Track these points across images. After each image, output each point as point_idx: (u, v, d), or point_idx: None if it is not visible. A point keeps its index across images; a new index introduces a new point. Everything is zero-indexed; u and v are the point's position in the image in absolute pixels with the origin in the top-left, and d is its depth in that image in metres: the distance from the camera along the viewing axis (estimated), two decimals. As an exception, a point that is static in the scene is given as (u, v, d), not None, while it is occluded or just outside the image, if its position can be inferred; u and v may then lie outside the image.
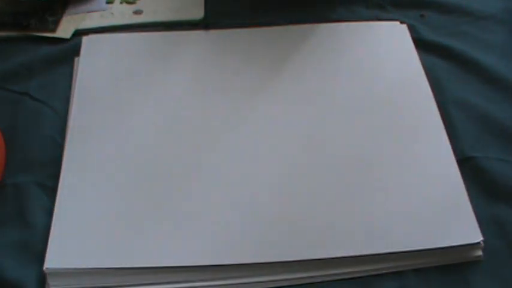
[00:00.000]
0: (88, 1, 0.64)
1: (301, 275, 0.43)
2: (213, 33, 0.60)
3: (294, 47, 0.58)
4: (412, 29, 0.60)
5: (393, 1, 0.64)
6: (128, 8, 0.64)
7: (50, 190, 0.48)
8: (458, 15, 0.63)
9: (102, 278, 0.42)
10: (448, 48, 0.58)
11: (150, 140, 0.51)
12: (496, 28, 0.61)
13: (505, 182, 0.48)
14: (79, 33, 0.60)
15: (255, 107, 0.53)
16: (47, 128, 0.52)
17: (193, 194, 0.47)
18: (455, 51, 0.58)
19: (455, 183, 0.47)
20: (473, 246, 0.44)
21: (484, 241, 0.44)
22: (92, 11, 0.63)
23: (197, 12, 0.63)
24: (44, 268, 0.42)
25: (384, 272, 0.43)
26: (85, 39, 0.59)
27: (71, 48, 0.59)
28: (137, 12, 0.63)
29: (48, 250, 0.43)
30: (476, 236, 0.44)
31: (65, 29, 0.61)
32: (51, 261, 0.43)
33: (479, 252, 0.44)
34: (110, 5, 0.64)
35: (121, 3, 0.64)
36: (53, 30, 0.61)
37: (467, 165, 0.49)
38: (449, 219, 0.45)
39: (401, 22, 0.61)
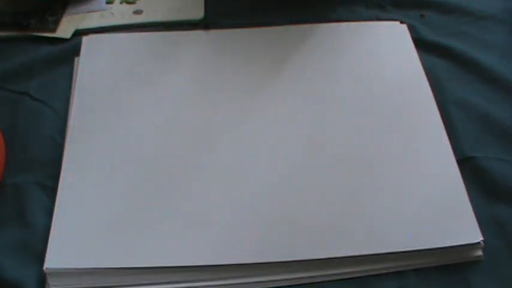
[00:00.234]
0: (88, 1, 0.64)
1: (301, 275, 0.43)
2: (213, 33, 0.60)
3: (294, 47, 0.58)
4: (412, 29, 0.60)
5: (393, 1, 0.64)
6: (128, 8, 0.64)
7: (50, 190, 0.48)
8: (458, 15, 0.63)
9: (102, 278, 0.42)
10: (448, 48, 0.58)
11: (150, 140, 0.51)
12: (496, 28, 0.61)
13: (505, 182, 0.48)
14: (79, 33, 0.60)
15: (255, 107, 0.53)
16: (47, 128, 0.52)
17: (193, 193, 0.47)
18: (455, 51, 0.58)
19: (455, 183, 0.47)
20: (473, 246, 0.44)
21: (484, 241, 0.44)
22: (92, 11, 0.63)
23: (197, 12, 0.63)
24: (44, 268, 0.42)
25: (383, 272, 0.43)
26: (85, 39, 0.59)
27: (71, 48, 0.59)
28: (137, 12, 0.63)
29: (48, 250, 0.43)
30: (476, 236, 0.44)
31: (65, 29, 0.61)
32: (51, 261, 0.43)
33: (479, 252, 0.44)
34: (109, 5, 0.64)
35: (121, 3, 0.64)
36: (53, 30, 0.61)
37: (467, 165, 0.49)
38: (449, 219, 0.45)
39: (402, 22, 0.61)
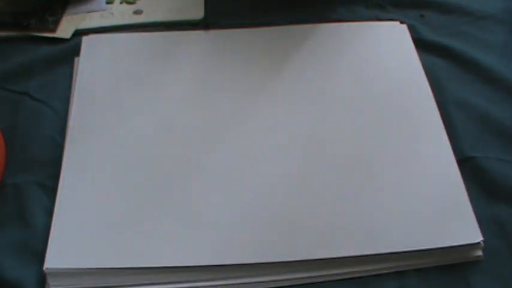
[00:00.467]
0: (88, 1, 0.64)
1: (301, 275, 0.43)
2: (213, 33, 0.60)
3: (294, 47, 0.58)
4: (412, 29, 0.60)
5: (393, 1, 0.64)
6: (128, 8, 0.64)
7: (50, 190, 0.48)
8: (458, 15, 0.63)
9: (102, 278, 0.42)
10: (448, 48, 0.58)
11: (150, 140, 0.51)
12: (496, 28, 0.61)
13: (505, 182, 0.48)
14: (79, 33, 0.60)
15: (255, 107, 0.53)
16: (47, 128, 0.52)
17: (193, 193, 0.47)
18: (455, 51, 0.58)
19: (455, 183, 0.47)
20: (473, 246, 0.44)
21: (484, 241, 0.44)
22: (92, 11, 0.63)
23: (197, 12, 0.63)
24: (44, 268, 0.42)
25: (384, 272, 0.43)
26: (85, 39, 0.59)
27: (71, 48, 0.59)
28: (137, 12, 0.63)
29: (48, 250, 0.43)
30: (476, 236, 0.44)
31: (65, 29, 0.61)
32: (51, 261, 0.43)
33: (479, 252, 0.44)
34: (110, 5, 0.64)
35: (121, 3, 0.64)
36: (53, 30, 0.61)
37: (467, 165, 0.49)
38: (449, 219, 0.45)
39: (402, 22, 0.61)
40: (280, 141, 0.50)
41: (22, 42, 0.60)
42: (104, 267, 0.43)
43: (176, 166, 0.49)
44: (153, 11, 0.63)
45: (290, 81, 0.55)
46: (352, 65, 0.57)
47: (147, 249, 0.44)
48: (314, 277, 0.43)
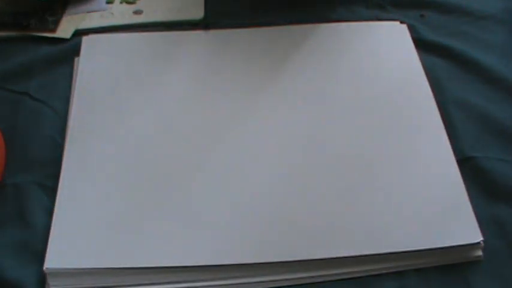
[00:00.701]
0: (88, 1, 0.64)
1: (301, 275, 0.43)
2: (213, 33, 0.60)
3: (294, 47, 0.58)
4: (412, 29, 0.60)
5: (393, 1, 0.64)
6: (128, 8, 0.64)
7: (50, 190, 0.48)
8: (458, 15, 0.63)
9: (102, 278, 0.42)
10: (448, 48, 0.58)
11: (150, 140, 0.51)
12: (496, 28, 0.61)
13: (505, 182, 0.48)
14: (79, 33, 0.60)
15: (255, 107, 0.53)
16: (47, 128, 0.52)
17: (193, 194, 0.47)
18: (456, 51, 0.58)
19: (455, 183, 0.47)
20: (473, 246, 0.44)
21: (484, 241, 0.44)
22: (92, 11, 0.63)
23: (197, 12, 0.63)
24: (44, 268, 0.42)
25: (384, 272, 0.43)
26: (85, 39, 0.59)
27: (71, 48, 0.59)
28: (137, 12, 0.63)
29: (48, 250, 0.43)
30: (476, 236, 0.44)
31: (65, 29, 0.61)
32: (51, 261, 0.43)
33: (479, 252, 0.44)
34: (110, 5, 0.64)
35: (121, 3, 0.64)
36: (53, 30, 0.61)
37: (467, 165, 0.49)
38: (449, 219, 0.45)
39: (402, 22, 0.61)
40: (280, 141, 0.50)
41: (22, 42, 0.60)
42: (104, 267, 0.43)
43: (176, 166, 0.49)
44: (153, 11, 0.63)
45: (290, 81, 0.55)
46: (352, 65, 0.57)
47: (147, 249, 0.44)
48: (314, 277, 0.43)
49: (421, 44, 0.59)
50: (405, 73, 0.56)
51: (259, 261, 0.43)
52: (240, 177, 0.48)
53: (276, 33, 0.60)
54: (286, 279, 0.43)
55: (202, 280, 0.42)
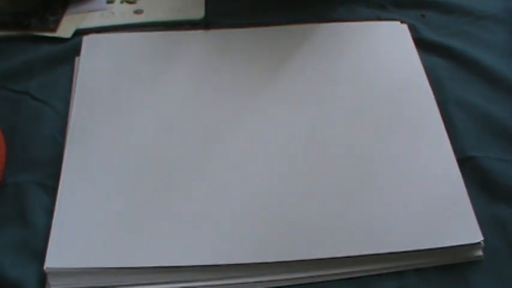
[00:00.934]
0: (89, 1, 0.64)
1: (301, 275, 0.43)
2: (213, 33, 0.60)
3: (294, 47, 0.58)
4: (412, 29, 0.60)
5: (394, 1, 0.64)
6: (129, 8, 0.64)
7: (51, 190, 0.48)
8: (459, 15, 0.63)
9: (102, 277, 0.42)
10: (449, 48, 0.58)
11: (150, 140, 0.51)
12: (496, 28, 0.61)
13: (506, 182, 0.48)
14: (79, 33, 0.60)
15: (256, 107, 0.53)
16: (47, 128, 0.52)
17: (193, 193, 0.47)
18: (456, 51, 0.58)
19: (456, 183, 0.47)
20: (474, 246, 0.44)
21: (484, 241, 0.44)
22: (93, 11, 0.63)
23: (197, 12, 0.63)
24: (44, 268, 0.42)
25: (384, 272, 0.43)
26: (85, 39, 0.59)
27: (72, 48, 0.59)
28: (138, 11, 0.63)
29: (48, 250, 0.43)
30: (477, 236, 0.44)
31: (65, 28, 0.61)
32: (52, 261, 0.43)
33: (480, 252, 0.44)
34: (110, 5, 0.64)
35: (121, 2, 0.64)
36: (54, 29, 0.61)
37: (468, 165, 0.49)
38: (450, 219, 0.45)
39: (402, 22, 0.61)
40: (280, 141, 0.50)
41: (22, 41, 0.60)
42: (104, 266, 0.43)
43: (176, 166, 0.49)
44: (154, 11, 0.63)
45: (290, 81, 0.55)
46: (353, 65, 0.57)
47: (147, 249, 0.44)
48: (314, 277, 0.43)
49: (421, 43, 0.59)
50: (406, 73, 0.56)
51: (258, 261, 0.43)
52: (239, 177, 0.48)
53: (276, 33, 0.60)
54: (286, 279, 0.43)
55: (202, 280, 0.42)
